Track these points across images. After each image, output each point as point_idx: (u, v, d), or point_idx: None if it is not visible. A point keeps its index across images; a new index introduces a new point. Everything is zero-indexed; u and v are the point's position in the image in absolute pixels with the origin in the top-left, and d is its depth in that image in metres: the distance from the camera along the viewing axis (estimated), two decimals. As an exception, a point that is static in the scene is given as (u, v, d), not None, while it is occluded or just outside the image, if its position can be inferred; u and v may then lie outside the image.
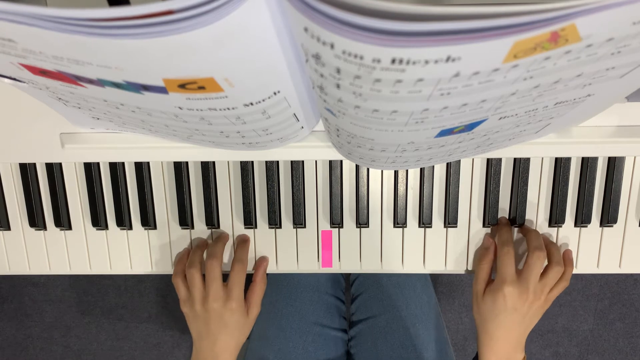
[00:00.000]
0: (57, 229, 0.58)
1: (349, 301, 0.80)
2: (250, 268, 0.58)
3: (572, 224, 0.56)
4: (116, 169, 0.56)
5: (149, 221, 0.57)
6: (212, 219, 0.56)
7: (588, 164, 0.54)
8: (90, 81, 0.30)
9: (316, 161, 0.55)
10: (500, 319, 0.52)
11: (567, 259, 0.55)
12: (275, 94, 0.32)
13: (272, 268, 0.58)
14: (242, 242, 0.57)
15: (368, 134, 0.35)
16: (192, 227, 0.58)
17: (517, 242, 0.57)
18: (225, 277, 0.55)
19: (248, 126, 0.38)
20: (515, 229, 0.57)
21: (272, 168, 0.55)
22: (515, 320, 0.52)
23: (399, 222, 0.56)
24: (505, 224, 0.56)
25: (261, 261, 0.57)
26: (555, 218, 0.55)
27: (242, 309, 0.54)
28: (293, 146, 0.50)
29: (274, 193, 0.56)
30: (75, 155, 0.53)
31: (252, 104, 0.33)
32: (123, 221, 0.57)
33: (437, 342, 0.70)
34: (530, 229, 0.56)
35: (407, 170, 0.55)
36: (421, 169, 0.55)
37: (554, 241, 0.57)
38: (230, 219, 0.57)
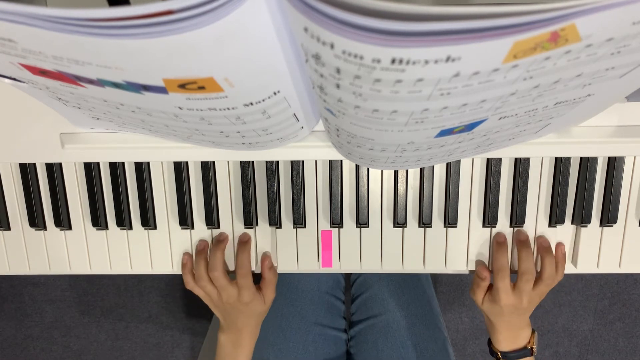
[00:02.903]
0: (57, 229, 0.58)
1: (349, 301, 0.80)
2: (253, 267, 0.58)
3: (572, 224, 0.56)
4: (116, 169, 0.56)
5: (149, 221, 0.57)
6: (212, 219, 0.56)
7: (588, 164, 0.54)
8: (90, 81, 0.30)
9: (316, 161, 0.55)
10: (500, 317, 0.57)
11: (559, 256, 0.56)
12: (275, 94, 0.32)
13: (272, 268, 0.58)
14: (242, 245, 0.57)
15: (368, 134, 0.35)
16: (192, 227, 0.58)
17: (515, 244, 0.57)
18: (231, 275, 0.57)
19: (248, 126, 0.38)
20: (514, 230, 0.57)
21: (272, 168, 0.55)
22: (514, 315, 0.56)
23: (399, 222, 0.56)
24: (502, 243, 0.56)
25: (264, 259, 0.57)
26: (555, 218, 0.55)
27: (257, 300, 0.57)
28: (293, 146, 0.50)
29: (274, 193, 0.56)
30: (75, 155, 0.53)
31: (252, 104, 0.33)
32: (123, 221, 0.57)
33: (437, 342, 0.70)
34: (523, 245, 0.55)
35: (407, 170, 0.55)
36: (421, 169, 0.55)
37: (554, 241, 0.57)
38: (230, 219, 0.57)
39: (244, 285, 0.55)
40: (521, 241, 0.56)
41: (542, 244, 0.56)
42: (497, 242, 0.56)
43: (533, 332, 0.59)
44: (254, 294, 0.56)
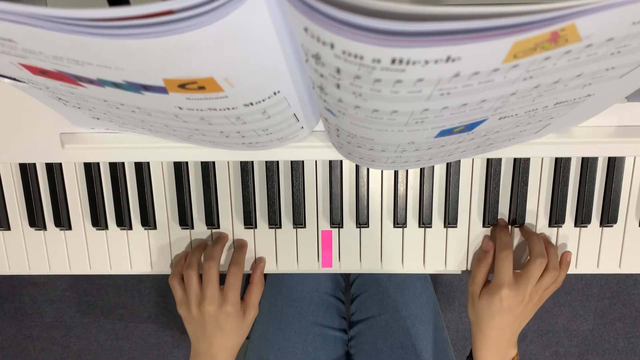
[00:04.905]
0: (57, 229, 0.58)
1: (348, 301, 0.80)
2: (248, 268, 0.58)
3: (572, 224, 0.56)
4: (116, 169, 0.56)
5: (149, 221, 0.57)
6: (212, 219, 0.56)
7: (588, 164, 0.54)
8: (90, 81, 0.30)
9: (316, 161, 0.55)
10: (496, 320, 0.53)
11: (563, 262, 0.55)
12: (275, 94, 0.32)
13: (272, 268, 0.58)
14: (240, 246, 0.57)
15: (368, 134, 0.35)
16: (192, 227, 0.58)
17: (515, 242, 0.57)
18: (223, 278, 0.55)
19: (248, 126, 0.38)
20: (515, 228, 0.57)
21: (272, 168, 0.55)
22: (509, 320, 0.53)
23: (399, 222, 0.56)
24: (505, 226, 0.56)
25: (259, 262, 0.57)
26: (555, 218, 0.55)
27: (238, 312, 0.54)
28: (293, 146, 0.50)
29: (274, 193, 0.56)
30: (75, 155, 0.53)
31: (252, 104, 0.33)
32: (123, 221, 0.57)
33: (437, 343, 0.70)
34: (532, 232, 0.55)
35: (407, 170, 0.55)
36: (421, 169, 0.55)
37: (554, 241, 0.57)
38: (230, 219, 0.57)
39: (231, 285, 0.53)
40: (527, 231, 0.55)
41: (545, 239, 0.56)
42: (499, 225, 0.55)
43: (517, 354, 0.55)
44: (239, 303, 0.53)
